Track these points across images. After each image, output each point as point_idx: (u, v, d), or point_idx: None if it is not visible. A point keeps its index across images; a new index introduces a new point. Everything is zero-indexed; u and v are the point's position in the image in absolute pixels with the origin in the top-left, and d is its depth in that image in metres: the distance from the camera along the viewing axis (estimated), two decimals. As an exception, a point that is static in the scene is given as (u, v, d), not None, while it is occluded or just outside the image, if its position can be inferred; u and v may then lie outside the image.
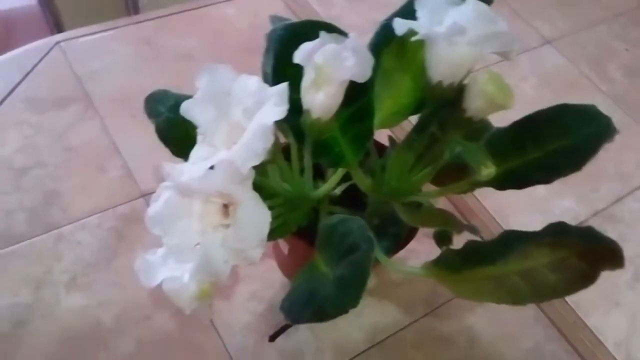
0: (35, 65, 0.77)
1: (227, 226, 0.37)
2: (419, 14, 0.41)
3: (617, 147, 0.83)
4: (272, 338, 0.56)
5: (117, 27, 0.85)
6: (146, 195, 0.68)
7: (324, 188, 0.49)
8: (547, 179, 0.45)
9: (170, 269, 0.38)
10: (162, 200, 0.37)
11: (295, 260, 0.58)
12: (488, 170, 0.42)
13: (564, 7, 1.12)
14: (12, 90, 0.73)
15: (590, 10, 1.13)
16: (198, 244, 0.37)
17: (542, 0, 1.12)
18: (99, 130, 0.72)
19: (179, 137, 0.45)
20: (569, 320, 0.67)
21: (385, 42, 0.44)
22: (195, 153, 0.38)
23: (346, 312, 0.37)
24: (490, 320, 0.65)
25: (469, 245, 0.44)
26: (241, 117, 0.37)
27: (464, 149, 0.43)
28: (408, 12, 0.43)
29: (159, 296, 0.60)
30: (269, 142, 0.33)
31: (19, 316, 0.56)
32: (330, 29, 0.40)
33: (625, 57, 1.06)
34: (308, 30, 0.40)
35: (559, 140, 0.44)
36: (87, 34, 0.83)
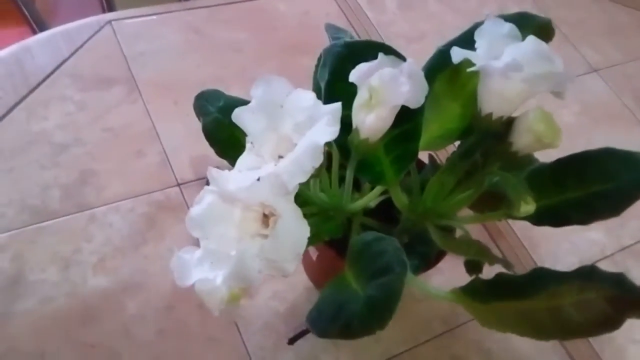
0: (85, 42, 0.78)
1: (264, 236, 0.37)
2: (477, 44, 0.42)
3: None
4: (292, 341, 0.57)
5: (168, 12, 0.85)
6: (181, 185, 0.68)
7: (361, 202, 0.49)
8: (584, 220, 0.45)
9: (205, 271, 0.39)
10: (205, 203, 0.38)
11: (322, 266, 0.58)
12: (528, 207, 0.42)
13: (614, 36, 1.10)
14: (60, 64, 0.74)
15: (638, 40, 1.11)
16: (234, 250, 0.37)
17: (593, 27, 1.10)
18: (140, 114, 0.73)
19: (224, 139, 0.45)
20: (586, 354, 0.67)
21: (440, 68, 0.44)
22: (242, 161, 0.38)
23: (373, 332, 0.38)
24: (508, 346, 0.65)
25: (500, 277, 0.44)
26: (291, 131, 0.37)
27: (505, 181, 0.43)
28: (467, 41, 0.43)
29: (183, 288, 0.62)
30: (319, 161, 0.34)
31: (45, 293, 0.58)
32: (389, 51, 0.41)
33: (668, 92, 1.04)
34: (366, 50, 0.40)
35: (602, 184, 0.44)
36: (138, 15, 0.84)
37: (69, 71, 0.74)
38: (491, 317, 0.46)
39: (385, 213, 0.53)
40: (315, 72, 0.47)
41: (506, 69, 0.39)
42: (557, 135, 0.41)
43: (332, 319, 0.40)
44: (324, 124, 0.35)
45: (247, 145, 0.38)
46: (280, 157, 0.38)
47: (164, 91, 0.76)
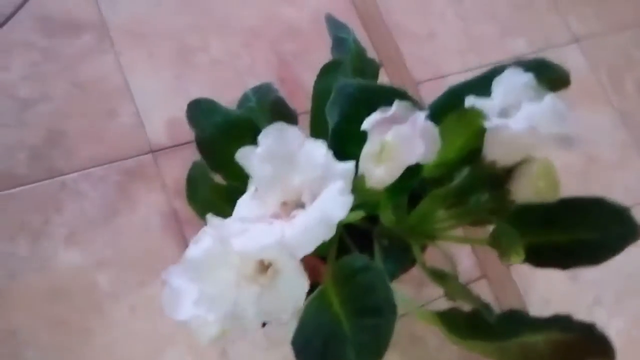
0: (50, -26, 0.70)
1: (262, 284, 0.37)
2: (494, 93, 0.40)
3: (611, 166, 0.86)
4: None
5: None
6: (155, 152, 0.66)
7: (350, 217, 0.49)
8: (565, 265, 0.47)
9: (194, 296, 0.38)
10: (203, 248, 0.37)
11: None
12: (519, 257, 0.43)
13: (601, 3, 1.08)
14: (23, 3, 0.67)
15: (624, 11, 1.10)
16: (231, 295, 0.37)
17: (582, -7, 1.07)
18: (112, 67, 0.68)
19: (221, 159, 0.43)
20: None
21: (449, 109, 0.43)
22: (244, 206, 0.37)
23: (360, 377, 0.39)
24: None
25: (476, 315, 0.46)
26: (300, 184, 0.36)
27: (500, 229, 0.43)
28: (483, 84, 0.41)
29: (154, 262, 0.61)
30: (330, 235, 0.33)
31: (13, 267, 0.56)
32: (403, 96, 0.39)
33: (641, 71, 1.05)
34: (380, 95, 0.39)
35: (589, 233, 0.46)
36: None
37: (33, 12, 0.67)
38: (464, 345, 0.48)
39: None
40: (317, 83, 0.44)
41: (522, 131, 0.38)
42: (557, 192, 0.42)
43: (318, 356, 0.41)
44: (337, 193, 0.33)
45: (250, 188, 0.37)
46: (285, 203, 0.37)
47: (137, 40, 0.70)
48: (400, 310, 0.63)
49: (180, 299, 0.39)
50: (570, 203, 0.46)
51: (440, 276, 0.47)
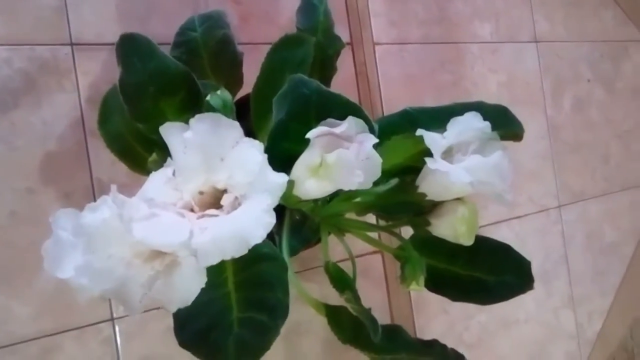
0: None
1: (156, 269, 0.35)
2: (449, 130, 0.39)
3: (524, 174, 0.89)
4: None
5: None
6: (75, 45, 0.58)
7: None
8: (455, 297, 0.48)
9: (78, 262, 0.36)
10: (100, 218, 0.33)
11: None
12: (418, 288, 0.43)
13: (572, 9, 1.07)
14: None
15: (589, 24, 1.10)
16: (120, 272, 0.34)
17: (560, -7, 1.05)
18: None
19: (145, 111, 0.39)
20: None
21: (399, 129, 0.41)
22: (155, 186, 0.33)
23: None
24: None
25: (361, 325, 0.46)
26: (224, 182, 0.33)
27: (408, 256, 0.43)
28: (438, 117, 0.39)
29: (49, 170, 0.56)
30: (241, 254, 0.31)
31: None
32: (358, 112, 0.36)
33: (583, 89, 1.07)
34: (335, 105, 0.35)
35: (486, 274, 0.47)
36: None
37: None
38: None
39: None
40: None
41: (461, 184, 0.37)
42: (472, 238, 0.42)
43: (199, 337, 0.40)
44: (261, 211, 0.31)
45: (167, 170, 0.33)
46: (201, 193, 0.34)
47: None
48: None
49: (63, 256, 0.36)
50: (480, 241, 0.47)
51: (339, 278, 0.47)
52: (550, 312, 0.97)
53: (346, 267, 0.49)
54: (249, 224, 0.31)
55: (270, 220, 0.31)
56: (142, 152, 0.46)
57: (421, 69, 0.88)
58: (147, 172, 0.48)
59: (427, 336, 0.49)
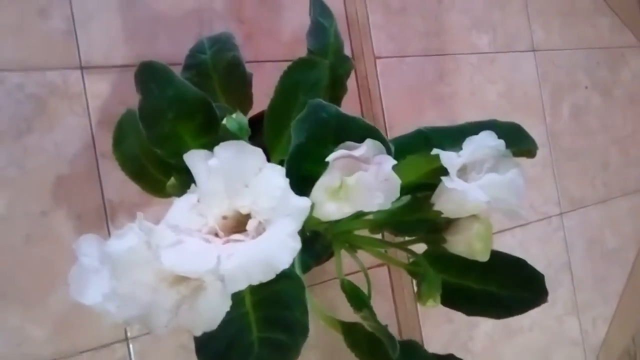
0: None
1: (182, 294, 0.35)
2: (464, 149, 0.39)
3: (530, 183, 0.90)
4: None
5: None
6: (85, 69, 0.59)
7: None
8: (468, 311, 0.49)
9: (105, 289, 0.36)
10: (126, 245, 0.34)
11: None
12: (434, 304, 0.44)
13: (568, 18, 1.08)
14: None
15: (585, 31, 1.11)
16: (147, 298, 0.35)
17: (555, 3, 1.07)
18: (52, -43, 0.59)
19: (164, 135, 0.39)
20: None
21: (414, 148, 0.41)
22: (180, 213, 0.34)
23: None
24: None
25: (377, 340, 0.47)
26: (248, 207, 0.33)
27: (425, 273, 0.44)
28: (451, 136, 0.40)
29: (61, 193, 0.57)
30: (269, 278, 0.31)
31: None
32: (375, 135, 0.37)
33: (580, 96, 1.09)
34: (354, 127, 0.36)
35: (500, 288, 0.47)
36: None
37: None
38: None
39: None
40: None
41: (477, 202, 0.38)
42: (488, 254, 0.43)
43: (220, 357, 0.41)
44: (286, 235, 0.31)
45: (191, 197, 0.34)
46: (224, 217, 0.35)
47: None
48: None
49: (89, 282, 0.36)
50: (493, 255, 0.47)
51: (355, 296, 0.48)
52: (554, 320, 0.97)
53: (354, 279, 0.50)
54: (275, 249, 0.31)
55: (296, 245, 0.32)
56: (157, 174, 0.47)
57: (421, 81, 0.89)
58: (161, 194, 0.50)
59: (432, 345, 0.49)
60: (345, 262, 0.50)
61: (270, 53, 0.73)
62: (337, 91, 0.49)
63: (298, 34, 0.75)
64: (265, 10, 0.73)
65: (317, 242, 0.54)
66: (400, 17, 0.87)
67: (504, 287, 0.47)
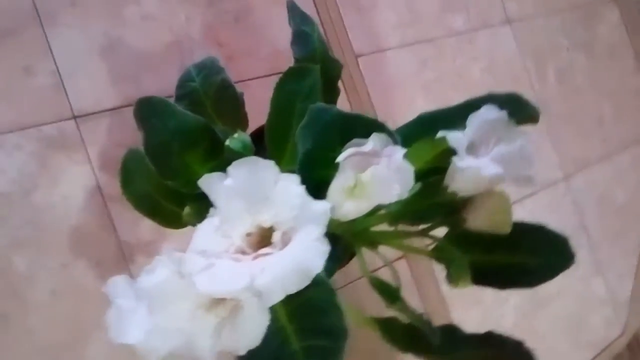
0: None
1: (221, 316, 0.35)
2: (468, 127, 0.40)
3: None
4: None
5: None
6: (78, 117, 0.59)
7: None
8: (503, 285, 0.49)
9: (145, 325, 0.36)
10: (158, 279, 0.34)
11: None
12: (466, 285, 0.44)
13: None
14: None
15: (559, -8, 1.12)
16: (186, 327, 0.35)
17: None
18: (28, 13, 0.59)
19: (174, 167, 0.40)
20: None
21: (419, 134, 0.42)
22: (205, 237, 0.34)
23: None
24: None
25: (415, 328, 0.47)
26: (270, 221, 0.34)
27: (450, 257, 0.44)
28: (453, 116, 0.41)
29: (77, 242, 0.57)
30: (305, 284, 0.32)
31: None
32: (381, 128, 0.37)
33: (563, 59, 1.10)
34: (358, 126, 0.36)
35: (527, 257, 0.48)
36: None
37: None
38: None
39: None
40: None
41: (493, 175, 0.38)
42: (510, 226, 0.43)
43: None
44: (314, 239, 0.32)
45: (213, 220, 0.34)
46: (248, 234, 0.35)
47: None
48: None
49: (127, 322, 0.36)
50: (514, 226, 0.48)
51: (386, 291, 0.48)
52: (580, 283, 0.98)
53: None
54: (305, 255, 0.32)
55: (325, 248, 0.32)
56: (172, 206, 0.47)
57: (405, 72, 0.90)
58: (177, 226, 0.50)
59: (466, 328, 0.49)
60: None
61: (253, 71, 0.74)
62: (331, 94, 0.49)
63: (276, 47, 0.76)
64: (241, 29, 0.74)
65: (337, 245, 0.54)
66: (372, 13, 0.88)
67: (529, 255, 0.48)
